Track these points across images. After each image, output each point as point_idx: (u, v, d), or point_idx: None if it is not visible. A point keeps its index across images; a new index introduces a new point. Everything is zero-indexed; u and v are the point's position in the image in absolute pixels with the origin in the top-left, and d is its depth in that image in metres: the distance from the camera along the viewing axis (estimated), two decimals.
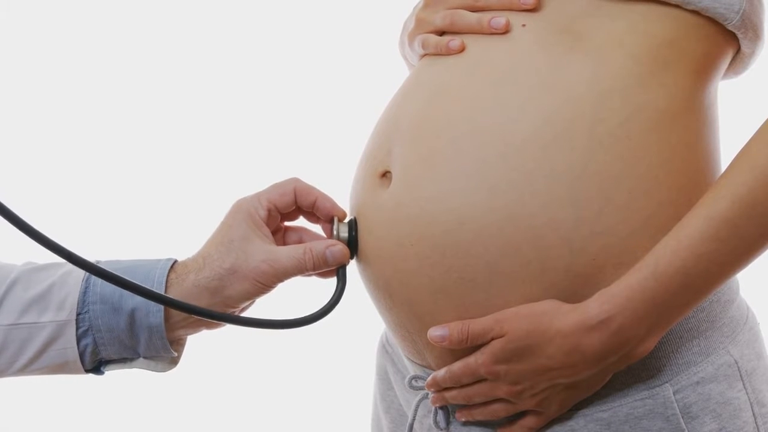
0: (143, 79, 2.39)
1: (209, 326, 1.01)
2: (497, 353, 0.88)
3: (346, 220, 1.01)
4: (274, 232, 1.01)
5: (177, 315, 0.98)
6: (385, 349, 1.10)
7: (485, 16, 0.95)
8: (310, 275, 1.01)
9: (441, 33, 1.00)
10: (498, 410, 0.93)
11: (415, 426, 1.01)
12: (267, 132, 2.36)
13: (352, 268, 1.01)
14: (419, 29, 1.02)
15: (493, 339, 0.89)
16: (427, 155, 0.92)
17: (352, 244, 0.99)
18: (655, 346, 0.89)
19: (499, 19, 0.94)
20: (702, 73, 0.93)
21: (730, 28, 0.92)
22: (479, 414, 0.94)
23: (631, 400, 0.91)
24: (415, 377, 0.98)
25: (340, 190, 1.04)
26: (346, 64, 2.37)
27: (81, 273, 0.98)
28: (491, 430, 0.96)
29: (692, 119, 0.92)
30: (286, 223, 1.05)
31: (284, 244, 1.03)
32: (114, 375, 1.03)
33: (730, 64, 0.97)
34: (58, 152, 2.38)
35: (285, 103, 2.34)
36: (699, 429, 0.90)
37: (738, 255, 0.86)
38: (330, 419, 2.31)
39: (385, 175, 0.96)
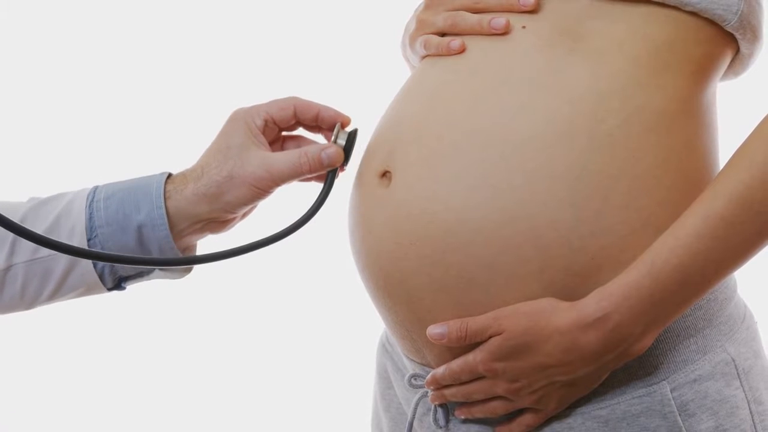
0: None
1: (214, 230, 1.04)
2: (495, 351, 0.89)
3: (349, 128, 1.03)
4: (272, 142, 1.04)
5: (181, 223, 1.01)
6: (384, 347, 1.10)
7: (486, 17, 0.96)
8: (308, 180, 1.04)
9: (442, 34, 1.00)
10: (497, 407, 0.93)
11: (414, 424, 1.01)
12: None
13: (351, 265, 1.02)
14: (421, 30, 1.03)
15: (491, 336, 0.89)
16: (427, 155, 0.93)
17: (348, 153, 1.02)
18: (653, 344, 0.89)
19: (500, 20, 0.95)
20: (700, 75, 0.94)
21: (728, 30, 0.93)
22: (478, 411, 0.94)
23: (628, 398, 0.91)
24: (415, 375, 0.98)
25: (341, 188, 1.04)
26: (349, 65, 2.37)
27: (83, 201, 1.01)
28: (490, 427, 0.96)
29: (691, 120, 0.93)
30: (285, 133, 1.07)
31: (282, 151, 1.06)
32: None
33: (730, 65, 0.98)
34: (56, 73, 2.40)
35: None
36: (696, 426, 0.90)
37: (735, 253, 0.87)
38: (330, 418, 2.31)
39: (386, 174, 0.96)
